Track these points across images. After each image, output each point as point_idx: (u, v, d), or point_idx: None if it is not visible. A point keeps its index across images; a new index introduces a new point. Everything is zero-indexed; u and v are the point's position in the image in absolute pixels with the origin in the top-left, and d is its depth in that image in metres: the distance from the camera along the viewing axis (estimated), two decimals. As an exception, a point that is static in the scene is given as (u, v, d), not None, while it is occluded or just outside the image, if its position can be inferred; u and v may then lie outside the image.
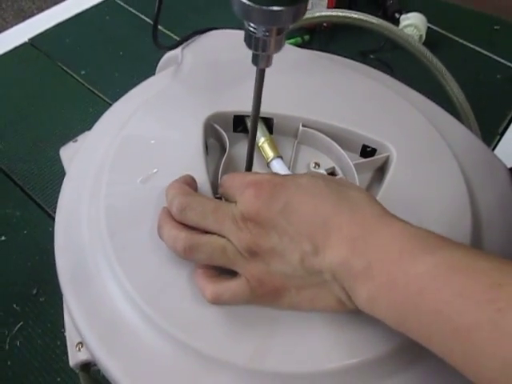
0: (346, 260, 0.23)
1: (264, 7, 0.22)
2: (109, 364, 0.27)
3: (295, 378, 0.25)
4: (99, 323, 0.28)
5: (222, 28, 0.44)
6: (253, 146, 0.31)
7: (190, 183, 0.30)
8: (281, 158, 0.35)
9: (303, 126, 0.36)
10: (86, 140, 0.37)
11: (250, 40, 0.24)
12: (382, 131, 0.35)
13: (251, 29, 0.24)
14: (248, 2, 0.22)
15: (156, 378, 0.26)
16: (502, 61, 0.78)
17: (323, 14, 0.50)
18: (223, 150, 0.36)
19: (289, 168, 0.34)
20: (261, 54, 0.25)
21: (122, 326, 0.27)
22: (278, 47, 0.25)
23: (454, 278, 0.21)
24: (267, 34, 0.24)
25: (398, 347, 0.26)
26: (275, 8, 0.22)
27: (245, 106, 0.36)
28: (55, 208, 0.56)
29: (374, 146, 0.35)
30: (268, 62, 0.26)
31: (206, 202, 0.27)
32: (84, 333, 0.28)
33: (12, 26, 0.78)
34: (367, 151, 0.36)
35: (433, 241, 0.23)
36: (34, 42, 0.75)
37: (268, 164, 0.34)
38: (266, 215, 0.25)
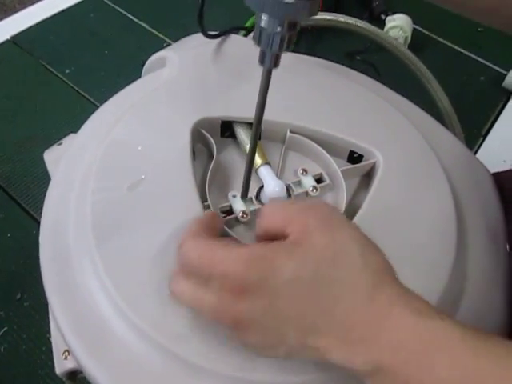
0: (345, 361, 0.22)
1: None
2: (95, 373, 0.26)
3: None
4: (86, 332, 0.27)
5: (214, 30, 0.44)
6: (250, 168, 0.30)
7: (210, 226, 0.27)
8: (269, 164, 0.35)
9: (291, 132, 0.36)
10: (71, 144, 0.37)
11: (260, 36, 0.24)
12: (368, 137, 0.36)
13: (263, 22, 0.24)
14: None
15: (144, 388, 0.26)
16: (486, 62, 0.79)
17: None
18: (211, 155, 0.36)
19: (277, 174, 0.34)
20: (269, 52, 0.25)
21: (108, 335, 0.27)
22: (287, 46, 0.25)
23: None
24: (278, 29, 0.23)
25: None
26: (290, 0, 0.22)
27: (232, 112, 0.36)
28: (39, 210, 0.56)
29: (361, 153, 0.36)
30: (276, 62, 0.25)
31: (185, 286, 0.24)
32: (70, 341, 0.28)
33: (-7, 20, 0.76)
34: (354, 157, 0.36)
35: (453, 340, 0.21)
36: (16, 40, 0.73)
37: (256, 170, 0.34)
38: (250, 316, 0.22)
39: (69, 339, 0.28)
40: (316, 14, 0.23)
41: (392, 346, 0.21)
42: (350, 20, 0.47)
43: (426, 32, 0.83)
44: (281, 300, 0.22)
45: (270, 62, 0.25)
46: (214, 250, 0.23)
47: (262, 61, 0.25)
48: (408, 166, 0.35)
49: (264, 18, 0.23)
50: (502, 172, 0.39)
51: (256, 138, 0.29)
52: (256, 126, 0.29)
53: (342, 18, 0.47)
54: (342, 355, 0.22)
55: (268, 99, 0.37)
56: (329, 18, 0.48)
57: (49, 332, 0.47)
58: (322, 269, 0.22)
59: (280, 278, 0.22)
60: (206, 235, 0.25)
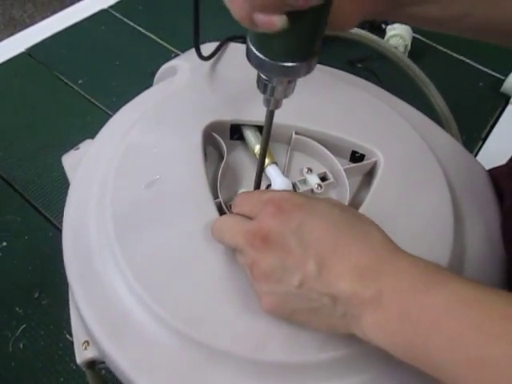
0: (353, 287, 0.24)
1: (278, 63, 0.23)
2: (116, 356, 0.28)
3: (294, 367, 0.27)
4: (107, 318, 0.29)
5: (218, 40, 0.46)
6: (261, 170, 0.33)
7: None
8: (276, 163, 0.37)
9: (296, 133, 0.38)
10: (89, 149, 0.39)
11: (262, 86, 0.26)
12: (370, 138, 0.38)
13: (264, 78, 0.26)
14: (263, 57, 0.23)
15: (161, 369, 0.27)
16: (484, 69, 0.81)
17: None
18: (221, 156, 0.38)
19: (283, 173, 0.37)
20: (272, 98, 0.27)
21: (128, 321, 0.29)
22: (288, 94, 0.27)
23: (466, 311, 0.22)
24: (279, 83, 0.26)
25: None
26: (288, 64, 0.24)
27: (241, 115, 0.39)
28: (55, 214, 0.59)
29: (362, 152, 0.38)
30: (277, 105, 0.28)
31: (227, 220, 0.29)
32: (92, 327, 0.30)
33: (3, 34, 0.80)
34: (356, 157, 0.38)
35: (443, 274, 0.24)
36: (31, 52, 0.77)
37: (264, 170, 0.37)
38: (278, 234, 0.26)
39: (91, 325, 0.30)
40: (312, 70, 0.25)
41: (393, 274, 0.24)
42: (352, 30, 0.50)
43: (426, 40, 0.85)
44: (310, 225, 0.26)
45: (272, 105, 0.28)
46: (263, 191, 0.30)
47: (265, 105, 0.28)
48: (407, 165, 0.37)
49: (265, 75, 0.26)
50: (497, 167, 0.41)
51: (263, 165, 0.32)
52: (263, 149, 0.31)
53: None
54: (349, 284, 0.24)
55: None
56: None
57: (66, 328, 0.49)
58: (346, 215, 0.27)
59: (315, 209, 0.27)
60: None
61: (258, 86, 0.27)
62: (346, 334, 0.25)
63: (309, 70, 0.25)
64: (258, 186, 0.33)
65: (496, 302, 0.22)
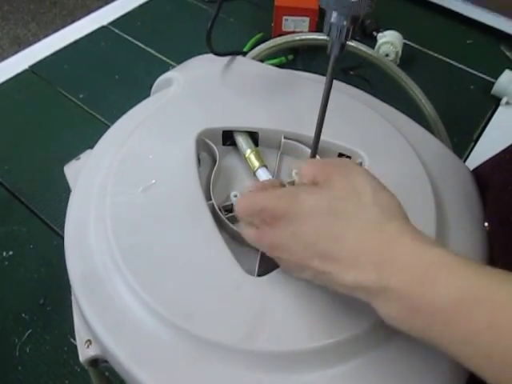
0: (358, 282, 0.24)
1: None
2: (117, 352, 0.30)
3: (284, 356, 0.29)
4: (107, 316, 0.31)
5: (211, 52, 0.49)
6: (320, 129, 0.35)
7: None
8: (266, 167, 0.39)
9: (285, 138, 0.40)
10: (89, 157, 0.41)
11: (330, 29, 0.30)
12: (355, 141, 0.39)
13: (332, 18, 0.29)
14: None
15: (158, 362, 0.29)
16: (475, 72, 0.83)
17: (303, 37, 0.54)
18: (214, 161, 0.40)
19: (273, 176, 0.38)
20: (337, 42, 0.30)
21: (127, 317, 0.31)
22: (350, 36, 0.30)
23: (481, 310, 0.21)
24: (344, 23, 0.29)
25: (380, 322, 0.29)
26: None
27: (233, 122, 0.41)
28: (59, 223, 0.60)
29: (348, 154, 0.40)
30: (341, 50, 0.31)
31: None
32: (94, 326, 0.31)
33: (8, 52, 0.82)
34: (343, 158, 0.40)
35: (454, 264, 0.23)
36: (34, 69, 0.79)
37: (254, 173, 0.38)
38: (279, 244, 0.28)
39: (92, 324, 0.32)
40: (373, 9, 0.29)
41: (398, 266, 0.24)
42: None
43: (417, 46, 0.87)
44: (303, 227, 0.26)
45: (337, 50, 0.31)
46: (257, 194, 0.30)
47: (330, 50, 0.31)
48: (391, 165, 0.38)
49: (334, 14, 0.29)
50: (482, 163, 0.43)
51: (323, 117, 0.34)
52: (324, 105, 0.34)
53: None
54: (352, 277, 0.25)
55: (264, 110, 0.41)
56: (322, 37, 0.53)
57: (70, 333, 0.51)
58: (336, 203, 0.26)
59: (302, 208, 0.27)
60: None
61: (324, 31, 0.30)
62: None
63: (371, 6, 0.28)
64: (313, 155, 0.35)
65: (507, 294, 0.21)
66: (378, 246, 0.25)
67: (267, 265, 0.32)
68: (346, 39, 0.30)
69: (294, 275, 0.30)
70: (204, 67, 0.46)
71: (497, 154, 0.43)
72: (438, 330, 0.23)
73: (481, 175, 0.42)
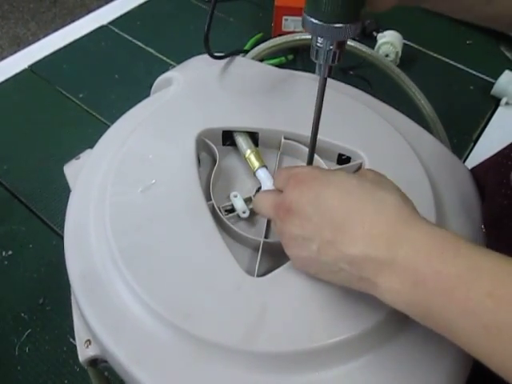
0: (366, 253, 0.25)
1: (330, 25, 0.27)
2: (117, 352, 0.30)
3: (283, 357, 0.29)
4: (107, 316, 0.31)
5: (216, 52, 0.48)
6: (314, 145, 0.35)
7: None
8: (265, 167, 0.39)
9: (285, 138, 0.40)
10: (89, 157, 0.41)
11: (317, 53, 0.30)
12: (354, 141, 0.39)
13: (318, 44, 0.29)
14: (316, 21, 0.28)
15: (158, 362, 0.29)
16: (474, 72, 0.83)
17: (303, 37, 0.54)
18: (214, 161, 0.40)
19: (273, 176, 0.38)
20: (324, 65, 0.30)
21: (126, 317, 0.31)
22: (338, 59, 0.30)
23: (483, 280, 0.22)
24: (330, 47, 0.29)
25: (380, 322, 0.29)
26: (337, 25, 0.27)
27: (232, 123, 0.41)
28: (58, 223, 0.60)
29: (348, 155, 0.40)
30: (329, 73, 0.31)
31: (263, 195, 0.33)
32: (94, 326, 0.31)
33: (8, 52, 0.82)
34: (343, 159, 0.40)
35: (459, 243, 0.24)
36: (34, 69, 0.79)
37: (254, 173, 0.38)
38: (298, 205, 0.28)
39: (92, 323, 0.31)
40: (357, 33, 0.29)
41: (408, 240, 0.25)
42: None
43: (417, 46, 0.87)
44: (326, 194, 0.28)
45: (324, 72, 0.31)
46: (292, 168, 0.32)
47: (318, 72, 0.31)
48: (390, 165, 0.38)
49: (319, 39, 0.29)
50: (480, 163, 0.43)
51: (316, 132, 0.34)
52: (317, 118, 0.34)
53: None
54: (362, 247, 0.25)
55: (264, 110, 0.41)
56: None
57: (69, 333, 0.51)
58: (364, 184, 0.28)
59: (331, 179, 0.28)
60: None
61: (310, 55, 0.30)
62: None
63: (355, 32, 0.28)
64: (310, 162, 0.36)
65: (509, 270, 0.22)
66: (391, 221, 0.26)
67: (267, 265, 0.32)
68: (334, 62, 0.30)
69: (295, 251, 0.29)
70: (204, 67, 0.46)
71: (492, 156, 0.43)
72: (440, 301, 0.23)
73: (477, 176, 0.42)
